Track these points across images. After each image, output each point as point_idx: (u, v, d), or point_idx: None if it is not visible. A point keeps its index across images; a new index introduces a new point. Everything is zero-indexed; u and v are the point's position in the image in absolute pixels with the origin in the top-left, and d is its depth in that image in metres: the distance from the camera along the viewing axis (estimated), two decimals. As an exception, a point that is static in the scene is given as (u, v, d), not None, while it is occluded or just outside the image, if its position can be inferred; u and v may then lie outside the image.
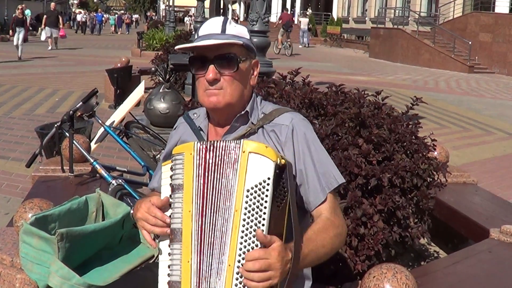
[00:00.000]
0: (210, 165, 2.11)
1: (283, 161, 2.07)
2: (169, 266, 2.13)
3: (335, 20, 46.88)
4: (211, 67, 2.31)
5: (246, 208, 2.01)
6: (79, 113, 5.21)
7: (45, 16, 30.85)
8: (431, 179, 3.82)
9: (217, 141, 2.14)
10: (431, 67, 28.04)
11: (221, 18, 2.39)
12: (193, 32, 13.10)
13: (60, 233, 2.70)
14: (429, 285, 3.09)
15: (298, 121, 2.42)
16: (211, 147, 2.13)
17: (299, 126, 2.40)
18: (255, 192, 2.01)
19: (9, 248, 3.10)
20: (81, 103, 4.93)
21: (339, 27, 44.20)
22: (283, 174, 2.08)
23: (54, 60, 24.06)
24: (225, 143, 2.12)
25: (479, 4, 31.29)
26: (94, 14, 62.61)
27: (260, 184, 2.01)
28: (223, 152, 2.11)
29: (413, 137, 3.83)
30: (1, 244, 3.14)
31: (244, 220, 2.00)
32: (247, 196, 2.01)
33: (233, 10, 57.62)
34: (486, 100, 17.07)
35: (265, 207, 1.99)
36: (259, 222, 1.98)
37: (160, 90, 8.68)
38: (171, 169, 2.19)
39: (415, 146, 3.78)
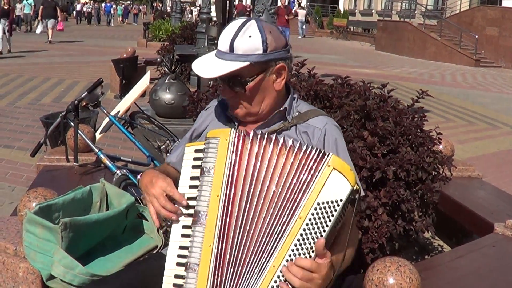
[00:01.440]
0: (262, 156, 2.12)
1: (357, 187, 2.10)
2: (187, 248, 2.13)
3: (342, 12, 46.77)
4: (225, 85, 2.35)
5: (310, 220, 2.03)
6: (84, 103, 5.20)
7: (41, 7, 28.44)
8: (436, 173, 3.80)
9: (290, 139, 2.17)
10: (437, 61, 27.96)
11: (237, 25, 2.29)
12: (199, 23, 13.06)
13: (63, 222, 2.70)
14: (433, 279, 3.08)
15: (331, 126, 2.47)
16: (269, 140, 2.14)
17: (331, 132, 2.44)
18: (324, 208, 2.03)
19: (13, 237, 3.10)
20: (86, 93, 4.93)
21: (346, 19, 44.05)
22: (352, 199, 2.10)
23: (59, 50, 24.04)
24: (304, 147, 2.13)
25: (486, -3, 31.23)
26: (101, 4, 62.19)
27: (332, 202, 2.03)
28: (295, 153, 2.11)
29: (419, 130, 3.82)
30: (5, 233, 3.14)
31: (304, 230, 2.02)
32: (315, 209, 2.03)
33: (239, 1, 57.48)
34: (492, 94, 17.01)
35: (327, 225, 2.02)
36: (317, 237, 2.01)
37: (166, 81, 8.65)
38: (203, 151, 2.19)
39: (420, 139, 3.77)
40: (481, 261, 3.43)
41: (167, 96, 8.47)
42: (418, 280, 2.46)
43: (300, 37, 39.99)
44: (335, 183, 2.05)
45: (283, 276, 2.01)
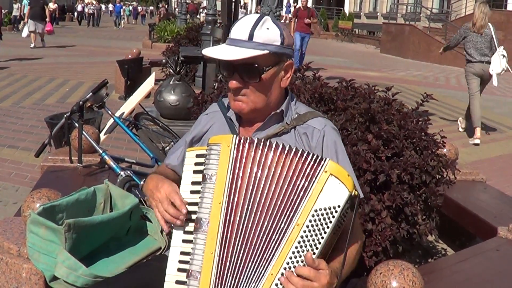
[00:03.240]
0: (263, 164, 2.11)
1: (356, 193, 2.08)
2: (189, 254, 2.12)
3: (347, 15, 46.83)
4: (235, 75, 2.32)
5: (307, 226, 2.01)
6: (89, 104, 5.21)
7: (28, 7, 25.31)
8: (440, 176, 3.80)
9: (285, 145, 2.14)
10: (442, 64, 27.90)
11: (253, 18, 2.31)
12: (205, 24, 13.06)
13: (67, 223, 2.70)
14: (436, 282, 3.08)
15: (330, 128, 2.46)
16: (266, 146, 2.13)
17: (330, 134, 2.44)
18: (322, 214, 2.01)
19: (16, 237, 3.10)
20: (91, 93, 4.94)
21: (351, 22, 44.11)
22: (350, 205, 2.09)
23: (66, 50, 24.05)
24: (300, 152, 2.11)
25: (491, 1, 31.09)
26: (108, 4, 61.84)
27: (329, 208, 2.01)
28: (290, 158, 2.10)
29: (423, 133, 3.82)
30: (9, 234, 3.15)
31: (301, 237, 2.01)
32: (313, 216, 2.01)
33: (244, 3, 57.55)
34: (497, 98, 16.93)
35: (325, 232, 2.00)
36: (315, 244, 2.00)
37: (171, 82, 8.67)
38: (205, 157, 2.19)
39: (425, 142, 3.77)
40: (484, 265, 3.43)
41: (171, 98, 8.49)
42: (421, 284, 2.46)
43: None
44: (333, 189, 2.03)
45: (281, 285, 1.98)
